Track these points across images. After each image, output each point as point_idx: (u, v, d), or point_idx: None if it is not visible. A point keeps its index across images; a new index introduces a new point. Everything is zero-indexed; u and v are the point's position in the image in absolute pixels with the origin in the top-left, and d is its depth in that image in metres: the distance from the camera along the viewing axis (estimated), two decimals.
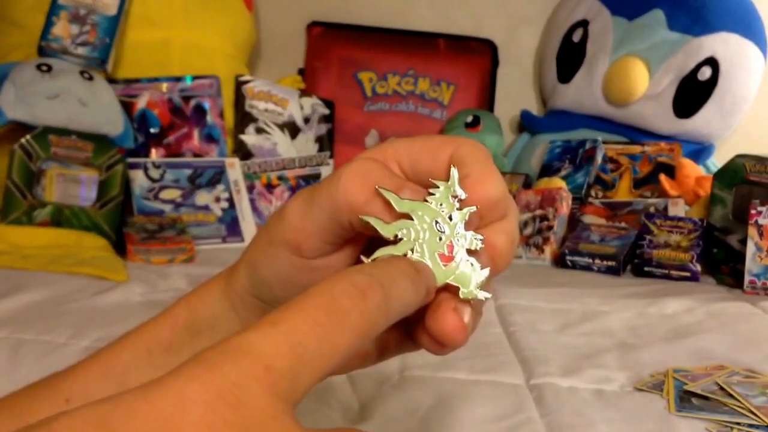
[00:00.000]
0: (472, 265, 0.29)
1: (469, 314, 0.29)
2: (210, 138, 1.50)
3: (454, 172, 0.29)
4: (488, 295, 0.29)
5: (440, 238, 0.29)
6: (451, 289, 0.29)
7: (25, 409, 0.35)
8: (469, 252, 0.29)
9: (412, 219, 0.29)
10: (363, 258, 0.29)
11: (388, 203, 0.28)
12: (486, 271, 0.29)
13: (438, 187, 0.29)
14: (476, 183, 0.29)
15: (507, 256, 0.30)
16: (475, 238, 0.29)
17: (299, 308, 0.23)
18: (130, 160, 1.35)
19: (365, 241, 0.31)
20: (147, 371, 0.35)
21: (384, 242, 0.29)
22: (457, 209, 0.29)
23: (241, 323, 0.34)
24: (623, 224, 1.40)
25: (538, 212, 1.41)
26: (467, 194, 0.29)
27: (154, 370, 0.35)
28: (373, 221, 0.28)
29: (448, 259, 0.29)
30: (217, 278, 0.36)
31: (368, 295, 0.25)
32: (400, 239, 0.29)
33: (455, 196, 0.29)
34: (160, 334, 0.35)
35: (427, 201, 0.29)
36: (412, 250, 0.29)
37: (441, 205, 0.29)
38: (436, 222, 0.29)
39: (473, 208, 0.29)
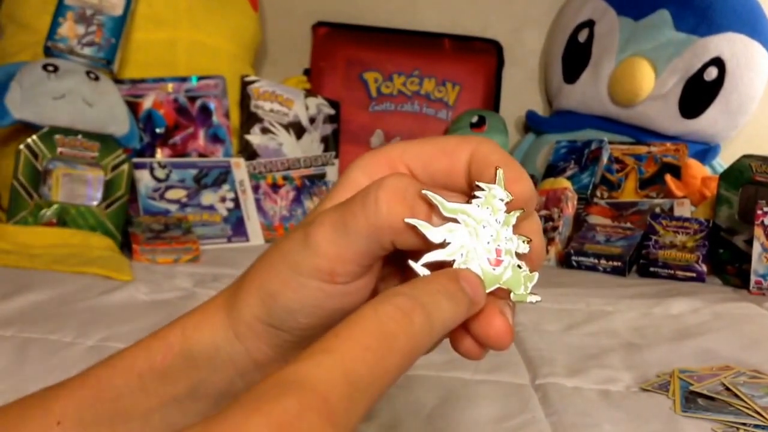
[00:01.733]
0: (520, 268, 0.29)
1: (512, 316, 0.29)
2: (215, 138, 1.50)
3: (500, 174, 0.28)
4: (539, 299, 0.29)
5: (488, 242, 0.28)
6: (496, 292, 0.29)
7: (15, 428, 0.34)
8: (517, 255, 0.29)
9: (458, 223, 0.28)
10: (411, 263, 0.28)
11: (429, 211, 0.28)
12: (535, 275, 0.29)
13: (482, 189, 0.28)
14: (513, 181, 0.28)
15: (542, 255, 0.30)
16: (523, 241, 0.29)
17: (348, 335, 0.23)
18: (136, 160, 1.36)
19: (390, 257, 0.30)
20: (140, 397, 0.33)
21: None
22: (503, 212, 0.28)
23: (246, 352, 0.33)
24: (629, 225, 1.40)
25: (544, 212, 1.41)
26: (508, 189, 0.28)
27: (147, 397, 0.33)
28: (420, 226, 0.27)
29: (497, 263, 0.28)
30: (214, 306, 0.34)
31: (413, 318, 0.25)
32: (448, 243, 0.28)
33: (501, 199, 0.28)
34: (152, 360, 0.33)
35: (471, 203, 0.28)
36: (461, 255, 0.28)
37: (488, 207, 0.28)
38: (483, 225, 0.28)
39: (520, 211, 0.28)
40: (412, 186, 0.28)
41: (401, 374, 0.24)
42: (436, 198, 0.28)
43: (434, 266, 0.28)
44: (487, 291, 0.28)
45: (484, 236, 0.28)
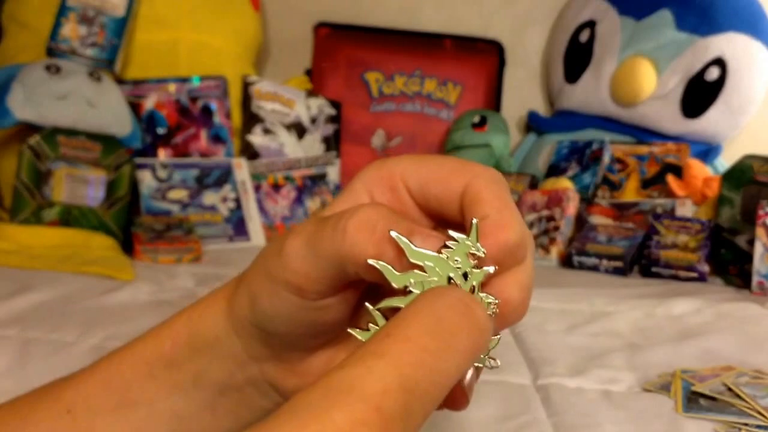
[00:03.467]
0: None
1: (471, 377, 0.27)
2: (217, 138, 1.50)
3: (475, 226, 0.26)
4: (496, 364, 0.27)
5: None
6: None
7: (26, 417, 0.34)
8: None
9: (425, 271, 0.26)
10: (368, 306, 0.27)
11: (398, 251, 0.26)
12: (496, 339, 0.27)
13: (455, 241, 0.26)
14: (494, 227, 0.27)
15: (520, 309, 0.28)
16: (491, 303, 0.27)
17: (403, 334, 0.22)
18: (138, 160, 1.36)
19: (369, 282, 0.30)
20: (147, 385, 0.34)
21: (391, 292, 0.27)
22: (474, 267, 0.26)
23: (243, 346, 0.33)
24: (630, 225, 1.40)
25: (545, 213, 1.41)
26: (485, 239, 0.26)
27: (155, 384, 0.34)
28: (383, 269, 0.26)
29: None
30: (218, 297, 0.34)
31: (476, 311, 0.23)
32: (410, 291, 0.26)
33: (473, 254, 0.26)
34: (160, 349, 0.34)
35: (441, 254, 0.26)
36: None
37: (457, 259, 0.26)
38: (450, 278, 0.26)
39: (490, 270, 0.26)
40: (383, 221, 0.26)
41: (461, 376, 0.22)
42: (402, 241, 0.26)
43: (392, 312, 0.26)
44: None
45: None
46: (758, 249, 1.15)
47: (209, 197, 1.40)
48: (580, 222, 1.44)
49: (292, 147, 1.56)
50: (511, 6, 1.88)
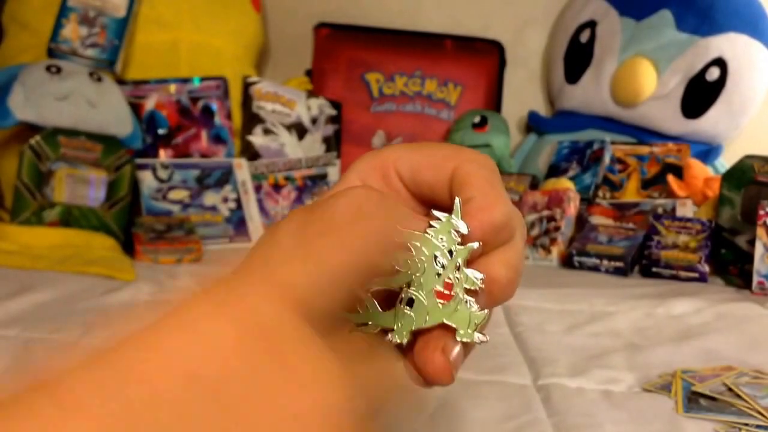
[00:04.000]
0: (469, 305, 0.27)
1: (458, 353, 0.28)
2: (218, 139, 1.50)
3: (457, 205, 0.27)
4: (485, 339, 0.27)
5: (438, 274, 0.27)
6: (444, 327, 0.27)
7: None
8: (468, 291, 0.27)
9: (411, 251, 0.27)
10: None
11: None
12: (484, 314, 0.27)
13: (440, 219, 0.27)
14: (479, 209, 0.27)
15: (508, 288, 0.28)
16: (475, 278, 0.27)
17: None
18: (139, 160, 1.36)
19: None
20: None
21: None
22: (458, 244, 0.27)
23: None
24: (631, 225, 1.40)
25: (546, 213, 1.41)
26: (471, 219, 0.27)
27: None
28: None
29: (446, 297, 0.27)
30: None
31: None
32: (398, 271, 0.27)
33: (457, 231, 0.27)
34: None
35: (427, 233, 0.27)
36: (408, 284, 0.27)
37: (442, 238, 0.27)
38: (435, 257, 0.27)
39: (474, 245, 0.27)
40: (370, 203, 0.27)
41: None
42: None
43: (381, 293, 0.27)
44: (432, 324, 0.27)
45: (433, 268, 0.27)
46: (759, 249, 1.15)
47: (210, 197, 1.41)
48: (581, 222, 1.44)
49: (292, 147, 1.56)
50: (511, 6, 1.88)
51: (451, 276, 0.27)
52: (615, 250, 1.30)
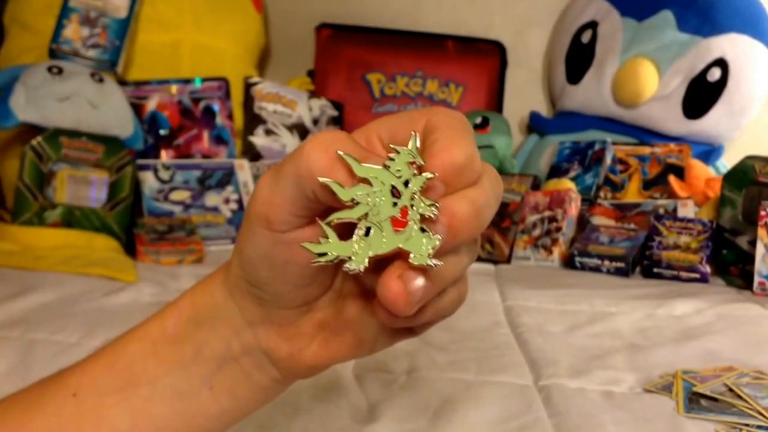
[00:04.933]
0: (423, 231, 0.28)
1: (420, 283, 0.28)
2: (219, 140, 1.50)
3: (413, 138, 0.28)
4: (438, 263, 0.28)
5: (395, 204, 0.28)
6: (404, 256, 0.28)
7: (34, 403, 0.36)
8: (424, 219, 0.28)
9: (371, 185, 0.28)
10: (318, 221, 0.29)
11: (349, 172, 0.28)
12: (437, 239, 0.28)
13: (398, 153, 0.28)
14: (441, 149, 0.28)
15: (469, 224, 0.29)
16: (429, 205, 0.28)
17: None
18: (140, 161, 1.36)
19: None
20: (151, 363, 0.36)
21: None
22: (414, 175, 0.28)
23: (239, 310, 0.35)
24: (632, 225, 1.40)
25: (547, 213, 1.41)
26: (432, 160, 0.28)
27: (157, 362, 0.36)
28: (331, 184, 0.28)
29: (402, 224, 0.28)
30: (219, 270, 0.36)
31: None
32: (357, 203, 0.28)
33: (413, 162, 0.28)
34: (164, 327, 0.36)
35: (386, 166, 0.28)
36: (366, 215, 0.28)
37: (399, 171, 0.28)
38: (393, 187, 0.28)
39: (430, 175, 0.28)
40: (337, 143, 0.29)
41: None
42: (348, 159, 0.28)
43: (344, 225, 0.29)
44: (388, 252, 0.28)
45: (390, 199, 0.28)
46: (760, 250, 1.15)
47: (211, 198, 1.41)
48: (582, 223, 1.44)
49: (293, 148, 1.56)
50: (512, 7, 1.88)
51: (407, 204, 0.28)
52: (616, 250, 1.30)
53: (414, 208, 0.28)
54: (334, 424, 0.59)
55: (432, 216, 0.28)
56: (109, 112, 1.28)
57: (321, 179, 0.28)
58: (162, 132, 1.46)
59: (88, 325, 0.80)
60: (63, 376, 0.37)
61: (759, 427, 0.60)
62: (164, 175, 1.39)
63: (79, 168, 1.22)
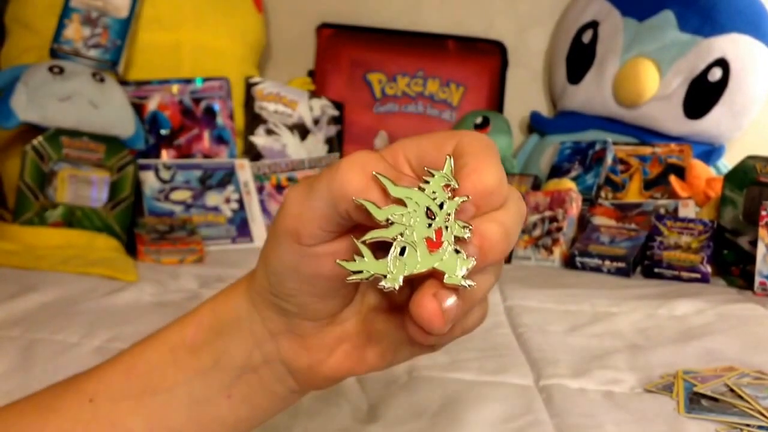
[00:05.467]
0: (458, 252, 0.29)
1: (453, 302, 0.29)
2: (220, 139, 1.50)
3: (448, 162, 0.29)
4: (472, 284, 0.29)
5: (429, 225, 0.29)
6: (437, 276, 0.29)
7: (49, 407, 0.36)
8: (458, 240, 0.29)
9: (405, 206, 0.29)
10: (354, 240, 0.30)
11: (383, 192, 0.29)
12: (471, 261, 0.29)
13: (432, 176, 0.29)
14: (472, 172, 0.29)
15: (498, 246, 0.30)
16: (463, 227, 0.29)
17: None
18: (141, 161, 1.36)
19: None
20: (169, 370, 0.36)
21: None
22: (449, 198, 0.29)
23: (262, 320, 0.35)
24: (633, 225, 1.40)
25: (548, 213, 1.41)
26: (463, 183, 0.29)
27: (176, 370, 0.36)
28: (366, 204, 0.29)
29: (436, 245, 0.29)
30: (241, 280, 0.37)
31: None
32: (392, 223, 0.29)
33: (448, 185, 0.29)
34: (184, 335, 0.36)
35: (421, 188, 0.29)
36: (401, 234, 0.29)
37: (434, 193, 0.29)
38: (428, 209, 0.29)
39: (464, 198, 0.29)
40: (372, 163, 0.29)
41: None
42: (383, 179, 0.29)
43: (376, 243, 0.29)
44: (422, 272, 0.29)
45: (425, 219, 0.29)
46: (761, 250, 1.15)
47: (212, 198, 1.41)
48: (583, 223, 1.44)
49: (294, 148, 1.56)
50: (513, 7, 1.88)
51: (441, 225, 0.29)
52: (617, 250, 1.30)
53: (448, 229, 0.29)
54: (334, 424, 0.59)
55: (465, 237, 0.29)
56: (110, 112, 1.28)
57: (356, 199, 0.29)
58: (163, 132, 1.46)
59: (89, 324, 0.80)
60: (79, 381, 0.37)
61: (760, 427, 0.60)
62: (165, 174, 1.39)
63: (80, 168, 1.22)
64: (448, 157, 0.29)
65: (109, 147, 1.25)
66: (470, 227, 0.29)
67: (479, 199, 0.29)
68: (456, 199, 0.29)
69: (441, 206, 0.29)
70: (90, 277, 1.01)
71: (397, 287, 0.29)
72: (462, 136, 0.31)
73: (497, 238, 0.29)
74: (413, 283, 0.30)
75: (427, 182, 0.29)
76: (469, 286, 0.29)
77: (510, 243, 0.30)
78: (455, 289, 0.29)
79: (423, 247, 0.29)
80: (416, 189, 0.29)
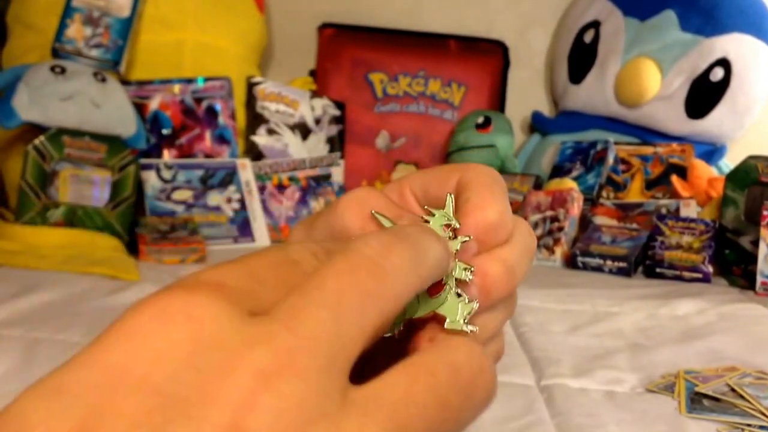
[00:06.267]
0: (459, 296, 0.28)
1: None
2: (221, 139, 1.50)
3: (449, 200, 0.28)
4: (474, 329, 0.27)
5: None
6: (438, 320, 0.28)
7: None
8: (459, 282, 0.28)
9: None
10: None
11: (381, 228, 0.28)
12: (474, 304, 0.27)
13: (432, 215, 0.28)
14: (474, 208, 0.28)
15: (501, 284, 0.28)
16: (465, 269, 0.28)
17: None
18: (143, 161, 1.36)
19: None
20: None
21: None
22: (450, 238, 0.28)
23: None
24: (635, 225, 1.40)
25: (549, 213, 1.41)
26: (465, 220, 0.28)
27: None
28: None
29: (438, 289, 0.27)
30: None
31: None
32: None
33: (449, 225, 0.28)
34: None
35: None
36: None
37: None
38: None
39: (466, 238, 0.28)
40: (373, 198, 0.29)
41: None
42: (382, 219, 0.28)
43: None
44: (422, 316, 0.28)
45: None
46: (762, 249, 1.15)
47: (214, 198, 1.41)
48: (584, 223, 1.44)
49: (296, 147, 1.57)
50: (515, 6, 1.88)
51: None
52: (618, 250, 1.30)
53: (451, 272, 0.28)
54: None
55: (467, 280, 0.28)
56: (112, 111, 1.28)
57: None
58: (164, 131, 1.46)
59: (91, 324, 0.80)
60: None
61: (761, 427, 0.60)
62: (166, 174, 1.39)
63: (82, 167, 1.22)
64: (448, 195, 0.28)
65: (110, 147, 1.25)
66: (472, 269, 0.28)
67: (482, 236, 0.28)
68: (458, 239, 0.28)
69: None
70: (91, 276, 1.01)
71: (396, 333, 0.28)
72: (466, 169, 0.30)
73: (499, 276, 0.28)
74: (413, 324, 0.28)
75: (426, 222, 0.28)
76: (470, 331, 0.27)
77: (514, 280, 0.29)
78: (455, 333, 0.28)
79: (423, 292, 0.27)
80: None
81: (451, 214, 0.28)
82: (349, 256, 0.22)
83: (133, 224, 1.27)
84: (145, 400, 0.18)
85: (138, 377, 0.18)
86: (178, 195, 1.39)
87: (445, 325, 0.28)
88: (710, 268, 1.24)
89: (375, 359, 0.33)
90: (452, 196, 0.29)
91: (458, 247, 0.28)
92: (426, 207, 0.28)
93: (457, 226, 0.28)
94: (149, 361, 0.18)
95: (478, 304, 0.28)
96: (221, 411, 0.17)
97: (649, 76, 1.62)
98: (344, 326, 0.20)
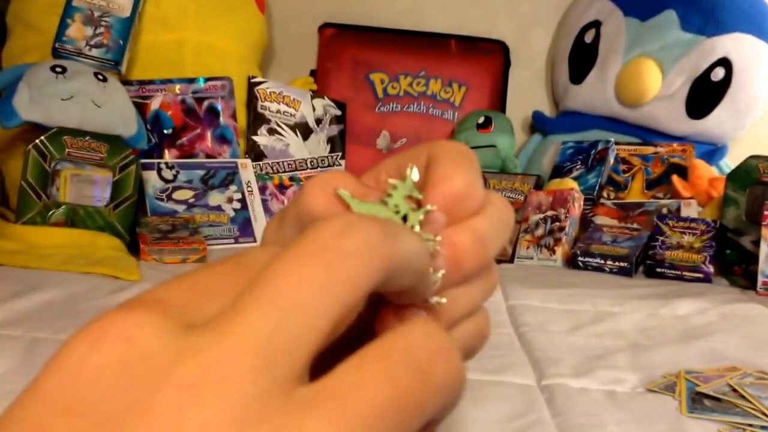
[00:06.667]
0: None
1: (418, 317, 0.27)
2: (223, 139, 1.50)
3: (409, 172, 0.27)
4: (441, 300, 0.27)
5: None
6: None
7: None
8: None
9: None
10: None
11: (348, 210, 0.27)
12: (439, 274, 0.26)
13: (396, 188, 0.27)
14: (441, 179, 0.27)
15: (471, 254, 0.27)
16: (430, 240, 0.26)
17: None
18: (144, 161, 1.36)
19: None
20: None
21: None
22: (412, 210, 0.27)
23: None
24: (635, 225, 1.40)
25: (550, 213, 1.41)
26: (431, 191, 0.27)
27: None
28: None
29: None
30: None
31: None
32: None
33: (411, 197, 0.27)
34: None
35: (384, 202, 0.27)
36: None
37: (396, 206, 0.27)
38: None
39: (428, 208, 0.27)
40: (337, 178, 0.28)
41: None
42: (345, 196, 0.27)
43: None
44: None
45: None
46: (763, 249, 1.15)
47: (215, 198, 1.41)
48: (585, 222, 1.44)
49: (297, 147, 1.57)
50: (516, 7, 1.88)
51: None
52: (619, 250, 1.30)
53: None
54: None
55: (432, 251, 0.27)
56: (113, 111, 1.28)
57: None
58: (165, 131, 1.46)
59: None
60: None
61: (762, 427, 0.60)
62: (167, 174, 1.39)
63: (83, 167, 1.22)
64: (409, 166, 0.28)
65: (111, 146, 1.25)
66: (436, 240, 0.26)
67: (449, 207, 0.27)
68: (420, 210, 0.27)
69: (405, 219, 0.27)
70: (92, 276, 1.01)
71: (361, 308, 0.28)
72: (435, 144, 0.29)
73: (469, 246, 0.27)
74: (379, 301, 0.27)
75: (390, 195, 0.27)
76: (437, 303, 0.26)
77: (486, 250, 0.28)
78: (426, 307, 0.27)
79: None
80: (378, 204, 0.27)
81: (413, 185, 0.27)
82: (300, 244, 0.21)
83: (134, 224, 1.27)
84: (78, 421, 0.18)
85: (71, 400, 0.18)
86: (179, 195, 1.39)
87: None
88: (711, 268, 1.23)
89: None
90: (414, 167, 0.28)
91: (421, 217, 0.27)
92: (389, 180, 0.28)
93: (420, 196, 0.27)
94: (83, 384, 0.19)
95: (443, 273, 0.26)
96: (152, 427, 0.17)
97: (650, 76, 1.62)
98: (287, 322, 0.19)
